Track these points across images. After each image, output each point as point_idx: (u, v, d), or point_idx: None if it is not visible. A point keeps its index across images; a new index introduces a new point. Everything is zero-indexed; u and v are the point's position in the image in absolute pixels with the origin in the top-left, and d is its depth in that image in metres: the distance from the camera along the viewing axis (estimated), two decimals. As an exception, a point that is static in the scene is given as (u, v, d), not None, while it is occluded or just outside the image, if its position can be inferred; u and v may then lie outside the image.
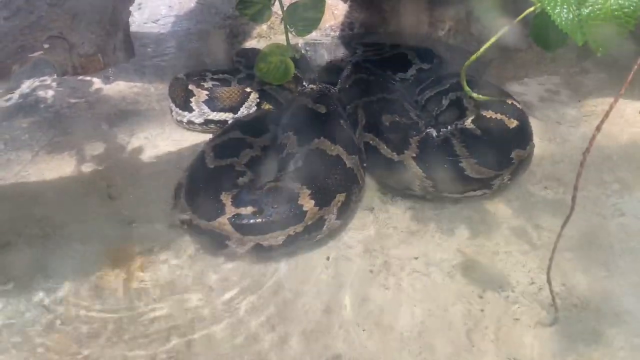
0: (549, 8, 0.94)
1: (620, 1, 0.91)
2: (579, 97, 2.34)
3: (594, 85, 2.39)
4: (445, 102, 2.23)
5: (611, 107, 0.95)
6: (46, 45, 1.23)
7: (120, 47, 1.49)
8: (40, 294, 1.64)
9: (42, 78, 2.56)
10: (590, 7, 0.92)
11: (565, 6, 0.94)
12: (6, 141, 2.21)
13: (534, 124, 2.07)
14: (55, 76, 2.52)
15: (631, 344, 1.43)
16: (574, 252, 1.67)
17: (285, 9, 1.93)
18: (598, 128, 1.00)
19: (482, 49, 1.06)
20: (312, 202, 1.69)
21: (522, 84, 2.47)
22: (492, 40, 1.03)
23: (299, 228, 1.68)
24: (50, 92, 2.48)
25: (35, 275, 1.70)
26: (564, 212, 1.75)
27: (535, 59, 2.55)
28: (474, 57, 1.09)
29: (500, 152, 1.86)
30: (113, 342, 1.51)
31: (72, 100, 2.44)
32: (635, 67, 0.90)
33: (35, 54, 1.26)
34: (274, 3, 1.91)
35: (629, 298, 1.54)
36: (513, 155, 1.85)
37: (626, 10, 0.91)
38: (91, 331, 1.54)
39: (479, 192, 1.86)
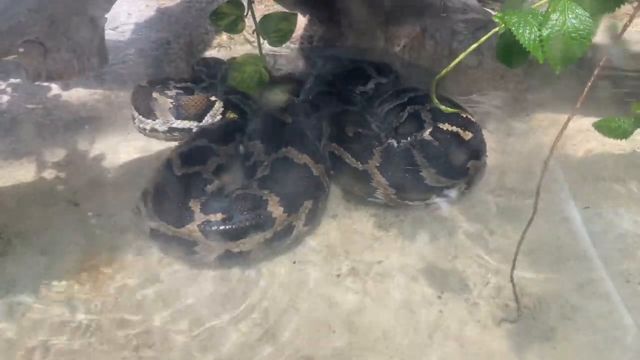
0: (513, 29, 1.04)
1: (576, 24, 1.03)
2: (527, 112, 2.49)
3: (539, 101, 2.55)
4: (403, 115, 2.33)
5: (569, 119, 1.06)
6: (21, 50, 1.23)
7: (94, 53, 1.50)
8: (3, 303, 1.61)
9: (-5, 83, 2.50)
10: (550, 29, 1.03)
11: (528, 27, 1.04)
12: (-40, 148, 2.15)
13: (486, 136, 2.19)
14: (10, 81, 2.47)
15: (579, 338, 1.55)
16: (525, 256, 1.77)
17: (258, 20, 1.97)
18: (558, 137, 1.11)
19: (450, 66, 1.15)
20: (281, 209, 1.74)
21: (474, 99, 2.61)
22: (461, 57, 1.13)
23: (268, 234, 1.73)
24: (5, 98, 2.42)
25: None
26: (517, 218, 1.89)
27: (485, 76, 2.70)
28: (443, 72, 1.17)
29: (457, 163, 1.97)
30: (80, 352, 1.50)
31: (29, 106, 2.39)
32: (590, 83, 1.01)
33: (9, 57, 1.25)
34: (247, 15, 1.95)
35: (576, 297, 1.66)
36: (469, 165, 1.97)
37: (581, 32, 1.03)
38: (57, 340, 1.52)
39: (438, 200, 1.96)
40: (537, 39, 1.03)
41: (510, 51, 1.12)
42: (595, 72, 1.04)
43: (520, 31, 1.04)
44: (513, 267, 1.45)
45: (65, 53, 1.38)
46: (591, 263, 1.78)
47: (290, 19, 1.93)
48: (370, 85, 2.63)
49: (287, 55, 3.03)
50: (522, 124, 2.44)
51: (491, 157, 2.15)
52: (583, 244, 1.84)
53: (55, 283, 1.68)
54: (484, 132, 2.19)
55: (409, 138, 2.14)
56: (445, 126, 2.11)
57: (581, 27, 1.01)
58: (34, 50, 1.29)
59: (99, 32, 1.54)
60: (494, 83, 2.72)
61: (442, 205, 1.98)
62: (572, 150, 2.29)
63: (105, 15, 1.57)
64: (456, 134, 2.06)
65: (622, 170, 2.17)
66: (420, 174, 1.91)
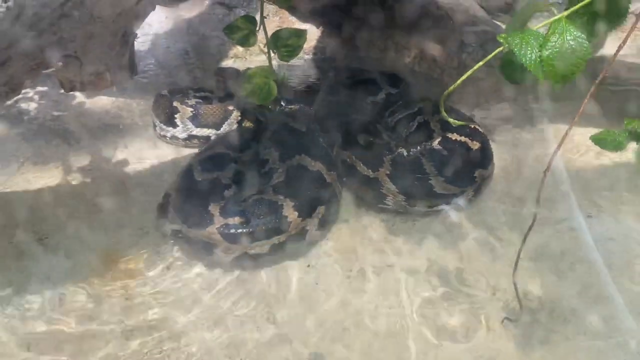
0: (515, 49, 1.13)
1: (573, 46, 1.11)
2: (533, 123, 2.56)
3: (547, 112, 2.62)
4: (413, 124, 2.41)
5: (567, 132, 1.14)
6: (60, 63, 1.33)
7: (125, 66, 1.60)
8: (29, 300, 1.71)
9: (24, 91, 2.60)
10: (549, 50, 1.11)
11: (529, 48, 1.13)
12: (-8, 152, 2.27)
13: (493, 146, 2.26)
14: (37, 89, 2.59)
15: (581, 341, 1.61)
16: (530, 262, 1.85)
17: (269, 35, 2.07)
18: (558, 147, 1.18)
19: (458, 81, 1.23)
20: (296, 213, 1.83)
21: (482, 110, 2.68)
22: (469, 73, 1.21)
23: (283, 237, 1.82)
24: (33, 105, 2.54)
25: (25, 282, 1.76)
26: (521, 225, 1.96)
27: (493, 87, 2.77)
28: (451, 88, 1.26)
29: (465, 171, 2.05)
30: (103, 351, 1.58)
31: (56, 113, 2.50)
32: (586, 99, 1.09)
33: (49, 70, 1.35)
34: (259, 29, 2.04)
35: (577, 302, 1.73)
36: (476, 174, 2.05)
37: (578, 53, 1.11)
38: (80, 338, 1.61)
39: (445, 207, 2.04)
40: (538, 58, 1.12)
41: (512, 69, 1.21)
42: (594, 85, 1.12)
43: (522, 51, 1.12)
44: (515, 269, 1.52)
45: (99, 66, 1.48)
46: (593, 269, 1.84)
47: (300, 35, 2.03)
48: (381, 95, 2.71)
49: (300, 65, 3.12)
50: (529, 134, 2.51)
51: (498, 167, 2.22)
52: (586, 250, 1.90)
53: (80, 281, 1.77)
54: (491, 142, 2.26)
55: (418, 147, 2.21)
56: (454, 136, 2.19)
57: (578, 48, 1.10)
58: (71, 63, 1.40)
59: (129, 46, 1.65)
60: (502, 94, 2.78)
61: (450, 212, 2.06)
62: (579, 161, 2.35)
63: (136, 32, 1.68)
64: (464, 144, 2.14)
65: (627, 180, 2.23)
66: (429, 181, 1.98)
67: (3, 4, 1.06)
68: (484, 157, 2.12)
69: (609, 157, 2.31)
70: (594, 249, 1.91)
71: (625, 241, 1.94)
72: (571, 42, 1.11)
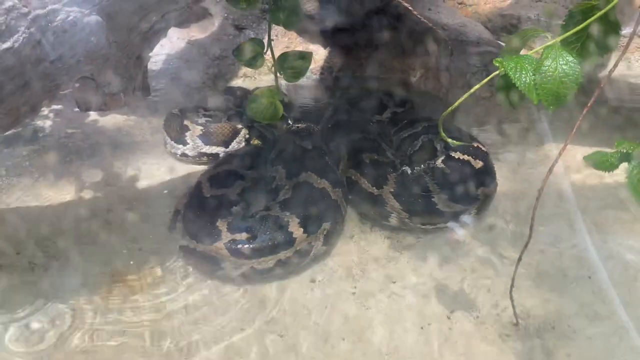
0: (510, 73, 1.18)
1: (566, 70, 1.16)
2: (537, 142, 2.60)
3: (550, 131, 2.65)
4: (418, 143, 2.46)
5: (561, 152, 1.18)
6: (77, 84, 1.39)
7: (139, 87, 1.67)
8: (43, 314, 1.75)
9: (39, 108, 2.68)
10: (543, 74, 1.16)
11: (523, 72, 1.18)
12: (7, 167, 2.34)
13: (497, 165, 2.30)
14: (52, 107, 2.67)
15: (581, 356, 1.64)
16: (532, 279, 1.88)
17: (276, 57, 2.14)
18: (550, 171, 1.23)
19: (457, 102, 1.28)
20: (301, 229, 1.87)
21: (486, 129, 2.72)
22: (467, 94, 1.26)
23: (289, 253, 1.86)
24: (48, 122, 2.62)
25: (38, 295, 1.81)
26: (523, 243, 1.98)
27: (498, 107, 2.82)
28: (450, 109, 1.30)
29: (468, 190, 2.08)
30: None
31: (70, 131, 2.58)
32: (581, 117, 1.13)
33: (66, 91, 1.42)
34: (266, 51, 2.11)
35: (578, 319, 1.75)
36: (479, 192, 2.09)
37: (570, 77, 1.16)
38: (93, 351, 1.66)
39: (449, 224, 2.07)
40: (532, 82, 1.16)
41: (508, 92, 1.26)
42: (590, 103, 1.17)
43: (517, 75, 1.17)
44: (512, 287, 1.55)
45: (113, 87, 1.55)
46: (595, 287, 1.86)
47: (305, 58, 2.10)
48: (387, 114, 2.76)
49: (308, 85, 3.19)
50: (532, 153, 2.54)
51: (502, 185, 2.26)
52: (590, 268, 1.93)
53: (92, 294, 1.82)
54: (495, 160, 2.30)
55: (422, 165, 2.26)
56: (457, 154, 2.23)
57: (571, 72, 1.15)
58: (87, 85, 1.47)
59: (143, 68, 1.72)
60: (506, 113, 2.83)
61: (454, 229, 2.09)
62: (582, 180, 2.38)
63: (150, 54, 1.75)
64: (467, 162, 2.18)
65: (628, 199, 2.25)
66: (432, 199, 2.02)
67: (26, 30, 1.14)
68: (487, 176, 2.16)
69: (612, 177, 2.34)
70: (599, 267, 1.94)
71: (626, 259, 1.97)
72: (564, 67, 1.16)
